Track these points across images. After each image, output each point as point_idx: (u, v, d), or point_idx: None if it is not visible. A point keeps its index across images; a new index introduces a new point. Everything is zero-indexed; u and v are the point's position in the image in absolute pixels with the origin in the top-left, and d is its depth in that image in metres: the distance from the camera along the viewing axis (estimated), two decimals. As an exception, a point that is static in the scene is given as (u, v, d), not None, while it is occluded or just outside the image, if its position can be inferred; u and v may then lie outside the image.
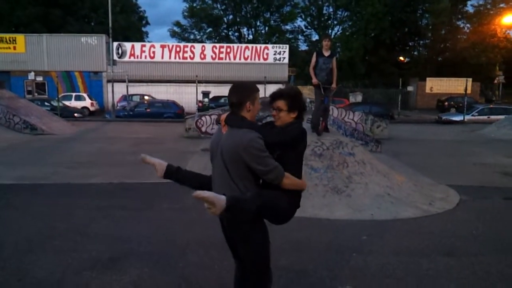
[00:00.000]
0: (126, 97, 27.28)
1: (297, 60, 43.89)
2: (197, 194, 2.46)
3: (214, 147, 2.88)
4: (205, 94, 27.04)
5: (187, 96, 27.94)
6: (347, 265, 4.58)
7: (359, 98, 34.27)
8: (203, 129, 16.94)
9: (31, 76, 29.32)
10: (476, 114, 25.12)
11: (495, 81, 41.29)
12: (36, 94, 31.05)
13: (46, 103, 25.24)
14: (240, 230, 2.80)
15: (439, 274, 4.40)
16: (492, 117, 23.40)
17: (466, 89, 27.39)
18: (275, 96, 2.95)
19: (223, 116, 2.86)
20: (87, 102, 29.50)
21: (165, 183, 8.38)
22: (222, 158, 2.76)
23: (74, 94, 30.31)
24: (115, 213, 6.40)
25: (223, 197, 2.51)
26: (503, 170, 10.10)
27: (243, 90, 2.84)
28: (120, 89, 28.37)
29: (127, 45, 33.46)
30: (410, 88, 36.95)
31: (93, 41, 32.87)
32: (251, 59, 33.97)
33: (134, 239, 5.29)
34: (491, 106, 27.81)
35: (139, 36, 52.81)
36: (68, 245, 5.05)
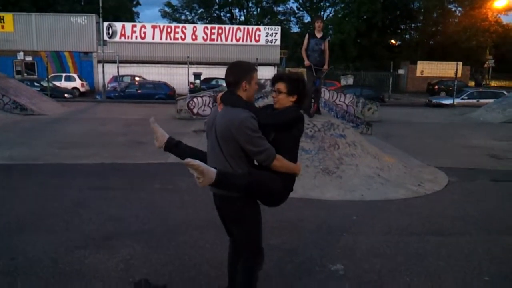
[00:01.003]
0: (117, 78, 27.01)
1: (289, 42, 43.72)
2: (188, 161, 2.49)
3: (209, 125, 2.89)
4: (197, 75, 26.87)
5: (178, 78, 27.78)
6: (337, 244, 4.66)
7: (350, 81, 34.23)
8: (195, 110, 16.88)
9: (20, 56, 28.91)
10: (466, 97, 25.28)
11: (485, 65, 41.49)
12: (25, 74, 30.66)
13: (36, 84, 24.97)
14: (232, 210, 2.84)
15: (427, 253, 4.49)
16: (482, 100, 23.59)
17: (456, 73, 27.51)
18: (276, 78, 2.97)
19: (220, 95, 2.87)
20: (77, 83, 29.22)
21: (156, 164, 8.45)
22: (215, 136, 2.77)
23: (64, 74, 30.00)
24: (107, 193, 6.40)
25: (214, 170, 2.55)
26: (491, 153, 10.24)
27: (240, 69, 2.82)
28: (110, 70, 28.08)
29: (118, 25, 33.05)
30: (401, 71, 37.01)
31: (83, 20, 32.40)
32: (243, 40, 33.74)
33: (126, 218, 5.32)
34: (481, 89, 28.01)
35: (129, 16, 52.07)
36: (60, 225, 5.07)
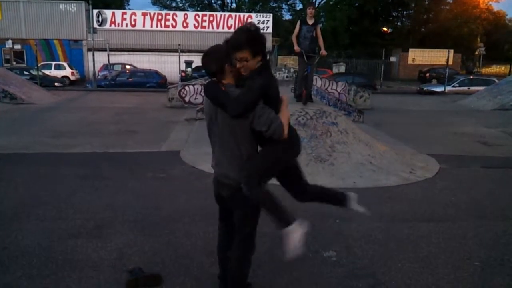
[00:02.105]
0: (107, 66, 26.77)
1: (281, 30, 43.39)
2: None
3: (212, 118, 2.83)
4: (188, 63, 26.68)
5: (169, 66, 27.60)
6: (330, 231, 4.69)
7: (342, 68, 34.18)
8: (187, 99, 16.80)
9: (9, 44, 28.47)
10: (457, 85, 25.37)
11: (476, 53, 41.62)
12: (14, 62, 30.24)
13: (25, 72, 24.70)
14: (241, 196, 2.78)
15: (419, 239, 4.53)
16: (472, 88, 23.70)
17: (448, 60, 27.56)
18: (235, 46, 2.65)
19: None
20: (67, 71, 28.92)
21: (148, 153, 8.43)
22: (222, 125, 2.77)
23: (54, 63, 29.67)
24: (99, 182, 6.38)
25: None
26: (482, 140, 10.32)
27: (218, 55, 2.72)
28: (101, 58, 27.80)
29: (108, 13, 32.62)
30: (392, 59, 36.99)
31: (72, 8, 31.92)
32: (234, 28, 32.35)
33: (119, 207, 5.31)
34: (472, 77, 28.10)
35: (119, 3, 51.27)
36: (52, 214, 5.05)
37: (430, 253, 4.21)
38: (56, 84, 24.88)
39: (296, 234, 2.66)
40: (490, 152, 9.14)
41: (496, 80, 23.77)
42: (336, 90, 17.56)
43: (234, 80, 2.75)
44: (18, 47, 30.21)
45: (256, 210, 2.88)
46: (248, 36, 2.65)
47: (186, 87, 17.00)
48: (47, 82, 23.81)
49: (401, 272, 3.81)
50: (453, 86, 25.24)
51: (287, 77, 17.20)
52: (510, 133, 11.29)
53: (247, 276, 3.04)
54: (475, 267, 3.95)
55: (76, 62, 31.34)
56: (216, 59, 2.72)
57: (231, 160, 2.78)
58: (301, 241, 2.66)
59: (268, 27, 33.79)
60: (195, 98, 16.62)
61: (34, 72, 24.56)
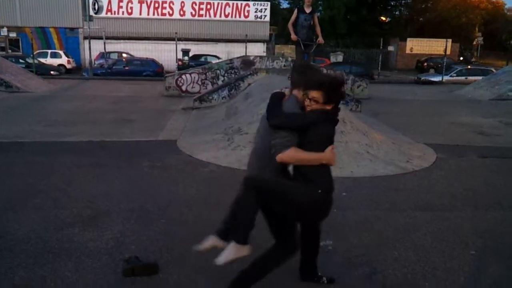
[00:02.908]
0: (104, 55, 26.58)
1: (278, 19, 43.14)
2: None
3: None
4: (185, 52, 26.53)
5: (166, 54, 27.41)
6: (327, 220, 4.66)
7: (339, 57, 34.11)
8: (184, 87, 16.71)
9: (4, 32, 28.21)
10: (454, 75, 25.36)
11: (474, 43, 41.55)
12: (9, 51, 29.99)
13: (21, 60, 24.51)
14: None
15: (415, 228, 4.54)
16: (470, 78, 23.69)
17: (445, 50, 27.51)
18: (311, 83, 2.67)
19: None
20: (63, 60, 28.70)
21: (145, 141, 8.40)
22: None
23: (49, 51, 29.42)
24: (95, 171, 6.35)
25: None
26: (479, 130, 10.33)
27: (306, 74, 2.87)
28: (97, 46, 27.57)
29: (104, 1, 32.23)
30: (390, 48, 36.88)
31: (68, -5, 31.62)
32: (231, 16, 33.30)
33: (115, 196, 5.29)
34: (469, 67, 28.09)
35: (115, -9, 50.89)
36: (48, 203, 5.03)
37: (426, 242, 4.22)
38: (52, 72, 24.70)
39: (238, 254, 2.69)
40: (487, 142, 9.15)
41: (494, 70, 23.76)
42: (333, 79, 17.48)
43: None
44: (13, 35, 29.96)
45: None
46: (331, 81, 2.69)
47: (183, 76, 16.89)
48: (43, 71, 23.61)
49: (397, 261, 3.82)
50: (451, 76, 25.22)
51: (284, 66, 17.10)
52: (507, 123, 11.30)
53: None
54: (471, 256, 3.96)
55: (72, 51, 31.11)
56: (301, 74, 2.84)
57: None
58: (233, 261, 2.71)
59: (265, 16, 33.62)
60: (192, 87, 16.53)
61: (30, 61, 24.35)
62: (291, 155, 2.61)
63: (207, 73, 16.65)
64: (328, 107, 2.67)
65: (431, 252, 4.00)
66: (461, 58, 40.37)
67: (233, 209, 2.78)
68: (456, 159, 7.56)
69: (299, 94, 2.80)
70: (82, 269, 3.55)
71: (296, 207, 2.73)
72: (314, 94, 2.63)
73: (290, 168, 2.85)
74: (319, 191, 2.71)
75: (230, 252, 2.69)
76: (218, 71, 16.70)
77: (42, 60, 26.89)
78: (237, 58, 17.68)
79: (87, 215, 4.65)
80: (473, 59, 42.16)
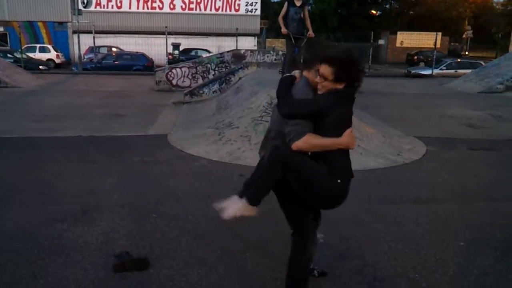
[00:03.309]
0: (93, 49, 26.33)
1: (269, 12, 43.03)
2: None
3: None
4: (175, 46, 26.36)
5: (156, 48, 27.17)
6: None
7: (330, 51, 34.05)
8: (174, 82, 16.63)
9: (-9, 26, 27.87)
10: (444, 68, 25.46)
11: (464, 36, 41.76)
12: (-3, 45, 29.64)
13: (8, 55, 24.16)
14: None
15: (406, 220, 4.57)
16: (460, 71, 23.78)
17: (435, 44, 27.59)
18: (322, 57, 2.57)
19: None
20: (52, 54, 28.37)
21: (135, 136, 8.35)
22: None
23: (38, 45, 29.03)
24: (85, 166, 6.31)
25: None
26: (468, 122, 10.39)
27: (323, 52, 2.69)
28: (86, 41, 27.24)
29: (93, -6, 31.98)
30: (381, 42, 36.92)
31: (56, -11, 31.24)
32: (222, 10, 33.11)
33: (105, 191, 5.26)
34: (459, 60, 28.20)
35: (104, -16, 50.40)
36: (37, 199, 4.99)
37: (416, 234, 4.25)
38: (40, 67, 24.41)
39: (245, 212, 2.69)
40: (477, 134, 9.21)
41: (483, 63, 23.89)
42: (324, 73, 17.48)
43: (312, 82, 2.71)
44: (0, 29, 29.57)
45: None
46: (340, 57, 2.57)
47: (174, 70, 16.80)
48: (31, 65, 23.31)
49: (387, 254, 3.84)
50: (441, 69, 25.32)
51: (275, 59, 17.08)
52: (496, 116, 11.39)
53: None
54: (460, 247, 4.00)
55: (61, 45, 30.77)
56: (312, 49, 2.73)
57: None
58: (236, 217, 2.71)
59: (256, 9, 33.47)
60: (183, 81, 16.47)
61: (18, 55, 24.03)
62: (308, 141, 2.53)
63: (198, 67, 16.59)
64: (340, 86, 2.57)
65: (421, 244, 4.03)
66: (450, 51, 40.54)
67: (255, 173, 2.78)
68: (446, 152, 7.61)
69: (311, 75, 2.71)
70: (72, 265, 3.53)
71: (317, 190, 2.66)
72: (323, 69, 2.54)
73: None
74: (338, 181, 2.65)
75: (239, 207, 2.68)
76: (208, 65, 16.64)
77: (31, 54, 26.56)
78: (228, 52, 17.63)
79: (76, 211, 4.62)
80: (463, 52, 42.37)
